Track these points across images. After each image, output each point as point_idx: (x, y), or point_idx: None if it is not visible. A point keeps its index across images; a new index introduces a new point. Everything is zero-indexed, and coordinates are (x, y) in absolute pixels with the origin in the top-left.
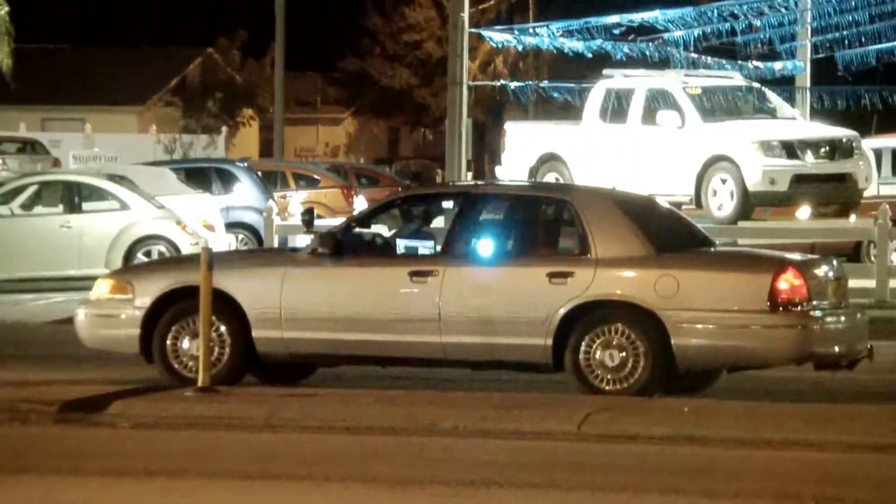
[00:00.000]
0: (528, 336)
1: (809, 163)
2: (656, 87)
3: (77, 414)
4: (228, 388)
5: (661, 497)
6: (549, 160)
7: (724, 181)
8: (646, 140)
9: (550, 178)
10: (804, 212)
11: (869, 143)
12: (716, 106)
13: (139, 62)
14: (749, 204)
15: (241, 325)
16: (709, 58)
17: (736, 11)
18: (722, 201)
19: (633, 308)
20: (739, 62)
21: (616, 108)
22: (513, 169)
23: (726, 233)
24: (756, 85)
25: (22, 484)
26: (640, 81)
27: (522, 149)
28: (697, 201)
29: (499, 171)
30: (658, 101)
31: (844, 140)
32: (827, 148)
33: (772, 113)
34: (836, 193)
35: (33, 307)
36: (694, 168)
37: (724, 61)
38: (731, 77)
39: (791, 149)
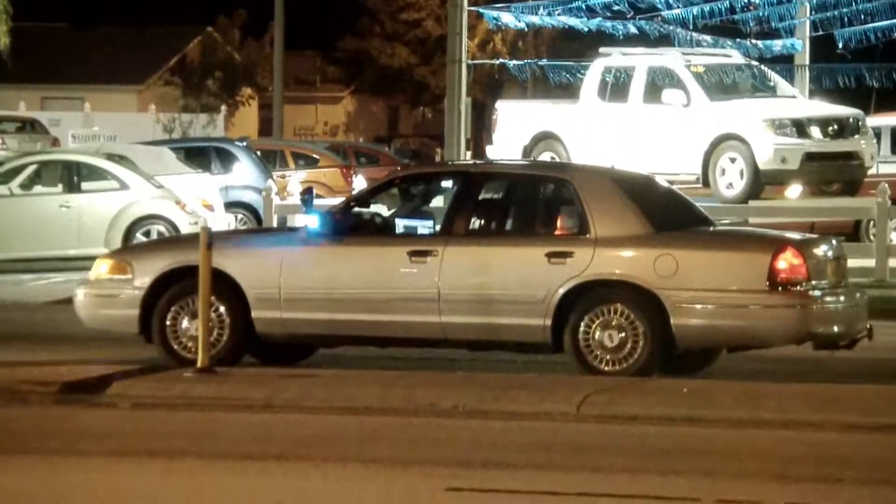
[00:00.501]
0: (527, 316)
1: (819, 141)
2: (658, 65)
3: (77, 394)
4: (228, 368)
5: (660, 478)
6: (545, 139)
7: (733, 160)
8: (649, 119)
9: (546, 157)
10: (794, 191)
11: (868, 122)
12: (718, 84)
13: (138, 41)
14: (760, 183)
15: (241, 306)
16: (707, 36)
17: None
18: (731, 180)
19: (632, 288)
20: (738, 40)
21: (616, 86)
22: (505, 148)
23: (731, 212)
24: (754, 63)
25: (22, 464)
26: (640, 60)
27: (515, 128)
28: (705, 180)
29: (490, 150)
30: (661, 79)
31: (851, 118)
32: (835, 126)
33: (772, 91)
34: (844, 171)
35: (33, 287)
36: (701, 147)
37: (723, 39)
38: (730, 55)
39: (801, 127)
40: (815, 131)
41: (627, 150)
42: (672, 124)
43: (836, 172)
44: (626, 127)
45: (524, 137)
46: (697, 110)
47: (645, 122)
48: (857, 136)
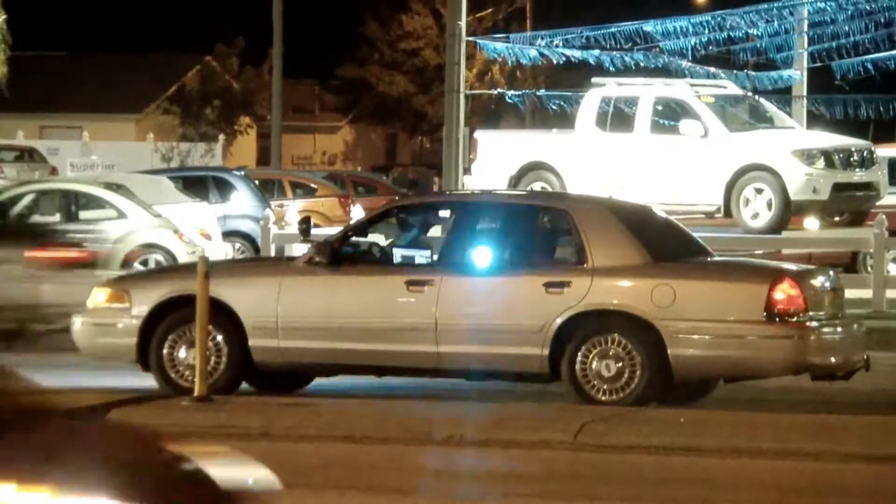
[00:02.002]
0: (524, 346)
1: (844, 171)
2: (666, 96)
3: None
4: (225, 397)
5: None
6: (535, 169)
7: (759, 190)
8: (659, 149)
9: (536, 187)
10: (812, 222)
11: None
12: (730, 115)
13: (137, 70)
14: (789, 213)
15: (238, 335)
16: (710, 67)
17: (732, 21)
18: (757, 210)
19: (629, 318)
20: (735, 72)
21: (618, 116)
22: (485, 178)
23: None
24: (749, 94)
25: None
26: (644, 90)
27: (497, 157)
28: (727, 211)
29: (468, 180)
30: (669, 109)
31: (865, 149)
32: (856, 157)
33: (770, 122)
34: (864, 202)
35: None
36: (722, 177)
37: (719, 71)
38: (725, 86)
39: (829, 157)
40: (839, 162)
41: (633, 181)
42: (688, 155)
43: (857, 203)
44: (631, 157)
45: (509, 167)
46: (716, 141)
47: (655, 152)
48: (873, 167)
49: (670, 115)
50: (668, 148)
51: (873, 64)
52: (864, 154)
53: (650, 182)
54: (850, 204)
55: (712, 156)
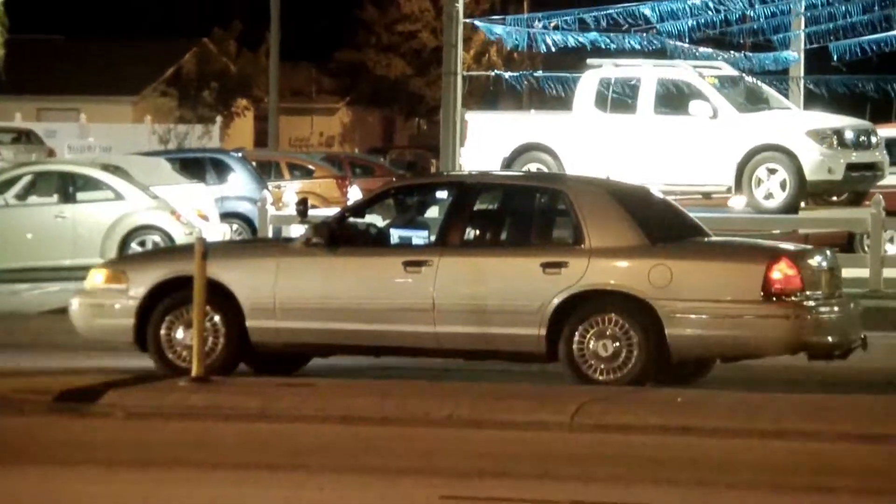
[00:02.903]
0: (521, 326)
1: (856, 152)
2: (670, 77)
3: (71, 404)
4: (222, 378)
5: (654, 488)
6: (530, 150)
7: (772, 171)
8: (665, 130)
9: (532, 168)
10: (738, 201)
11: None
12: (735, 96)
13: (134, 52)
14: (805, 193)
15: (236, 315)
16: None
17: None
18: (771, 190)
19: (626, 298)
20: (732, 53)
21: (618, 97)
22: (476, 159)
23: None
24: (744, 75)
25: (16, 474)
26: (646, 71)
27: (490, 139)
28: (738, 191)
29: (463, 160)
30: (674, 91)
31: (870, 130)
32: (863, 137)
33: (767, 103)
34: (871, 182)
35: (28, 297)
36: (734, 158)
37: (715, 52)
38: (720, 67)
39: (841, 137)
40: (850, 142)
41: (637, 161)
42: (696, 136)
43: (865, 183)
44: (635, 138)
45: (502, 149)
46: (725, 121)
47: (660, 133)
48: (877, 147)
49: (674, 96)
50: (674, 129)
51: (870, 45)
52: (870, 134)
53: (655, 163)
54: (858, 184)
55: (722, 136)
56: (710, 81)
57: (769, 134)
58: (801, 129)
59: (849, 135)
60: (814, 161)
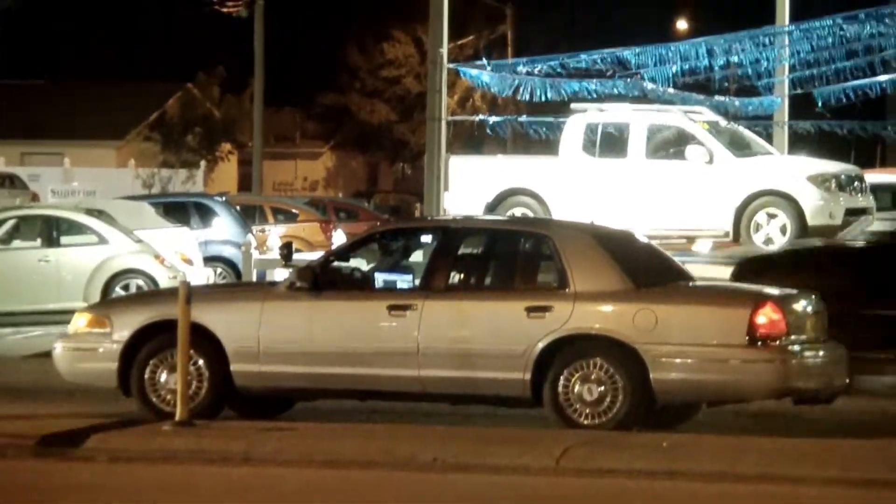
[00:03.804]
0: (506, 370)
1: (852, 197)
2: (662, 122)
3: (55, 448)
4: (206, 422)
5: None
6: (515, 195)
7: (772, 216)
8: (658, 175)
9: (517, 212)
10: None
11: None
12: (729, 141)
13: (118, 97)
14: (806, 238)
15: (219, 359)
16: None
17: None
18: (770, 235)
19: (611, 342)
20: (716, 98)
21: (607, 141)
22: (460, 203)
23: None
24: (719, 121)
25: None
26: (636, 116)
27: (474, 183)
28: (736, 236)
29: (447, 205)
30: (666, 136)
31: (859, 175)
32: (857, 182)
33: (749, 147)
34: (860, 226)
35: (11, 342)
36: (732, 203)
37: (698, 96)
38: (700, 112)
39: (839, 182)
40: (847, 187)
41: (629, 206)
42: (691, 180)
43: (860, 227)
44: (626, 183)
45: (486, 193)
46: (722, 166)
47: (652, 178)
48: (866, 192)
49: (667, 140)
50: (668, 174)
51: (854, 91)
52: (860, 179)
53: (649, 208)
54: (854, 229)
55: (719, 181)
56: (703, 127)
57: (769, 179)
58: (801, 174)
59: (844, 180)
60: (815, 206)
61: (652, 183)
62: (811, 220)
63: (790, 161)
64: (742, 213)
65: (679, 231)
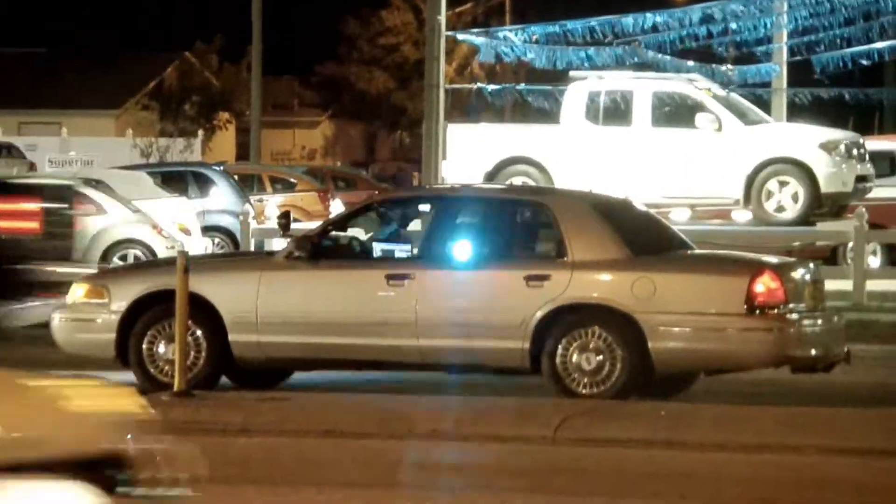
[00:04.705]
0: (505, 339)
1: (860, 164)
2: (666, 89)
3: None
4: (204, 392)
5: (639, 501)
6: (516, 163)
7: (784, 183)
8: (664, 143)
9: (517, 181)
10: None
11: None
12: (735, 109)
13: (116, 67)
14: (819, 205)
15: (218, 329)
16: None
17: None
18: (782, 203)
19: (609, 311)
20: (714, 66)
21: (610, 109)
22: (458, 172)
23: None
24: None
25: None
26: (640, 83)
27: (473, 152)
28: (747, 203)
29: (445, 174)
30: (671, 104)
31: (862, 142)
32: (861, 149)
33: (744, 115)
34: (866, 193)
35: (8, 311)
36: (742, 171)
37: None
38: (696, 80)
39: (849, 150)
40: (855, 155)
41: (634, 174)
42: (699, 148)
43: (863, 194)
44: (631, 151)
45: (485, 162)
46: (731, 134)
47: (659, 146)
48: (867, 160)
49: (672, 108)
50: (675, 142)
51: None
52: (863, 146)
53: (655, 176)
54: (858, 195)
55: (728, 149)
56: (708, 94)
57: (781, 147)
58: (813, 141)
59: (852, 146)
60: (829, 174)
61: (658, 151)
62: (825, 188)
63: (799, 128)
64: (753, 181)
65: (687, 200)
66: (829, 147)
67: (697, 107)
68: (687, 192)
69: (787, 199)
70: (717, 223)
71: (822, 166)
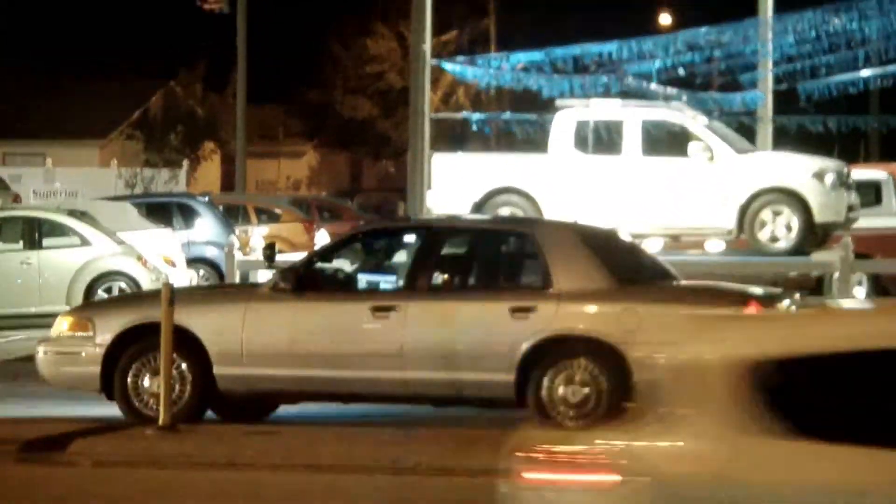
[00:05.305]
0: (490, 371)
1: (848, 193)
2: (657, 118)
3: (38, 453)
4: (190, 425)
5: None
6: (503, 193)
7: (777, 213)
8: (655, 172)
9: (505, 212)
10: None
11: None
12: (726, 137)
13: (100, 95)
14: (813, 235)
15: (203, 362)
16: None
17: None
18: (776, 233)
19: (595, 343)
20: (699, 94)
21: (600, 138)
22: (444, 202)
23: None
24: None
25: None
26: (629, 112)
27: (458, 181)
28: (740, 233)
29: (430, 204)
30: (663, 132)
31: (849, 171)
32: (848, 178)
33: (733, 144)
34: (853, 223)
35: None
36: (736, 200)
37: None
38: (681, 108)
39: (840, 179)
40: (844, 183)
41: (625, 204)
42: (691, 177)
43: (850, 224)
44: (622, 180)
45: (472, 192)
46: (724, 163)
47: (650, 175)
48: (853, 189)
49: (663, 137)
50: (667, 170)
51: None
52: (849, 175)
53: (647, 205)
54: (847, 225)
55: (721, 178)
56: (697, 122)
57: (774, 176)
58: (807, 171)
59: (842, 176)
60: (822, 203)
61: (649, 180)
62: (818, 217)
63: (791, 158)
64: (746, 211)
65: (679, 230)
66: (821, 176)
67: (689, 136)
68: (679, 222)
69: (780, 228)
70: (693, 253)
71: (816, 196)
